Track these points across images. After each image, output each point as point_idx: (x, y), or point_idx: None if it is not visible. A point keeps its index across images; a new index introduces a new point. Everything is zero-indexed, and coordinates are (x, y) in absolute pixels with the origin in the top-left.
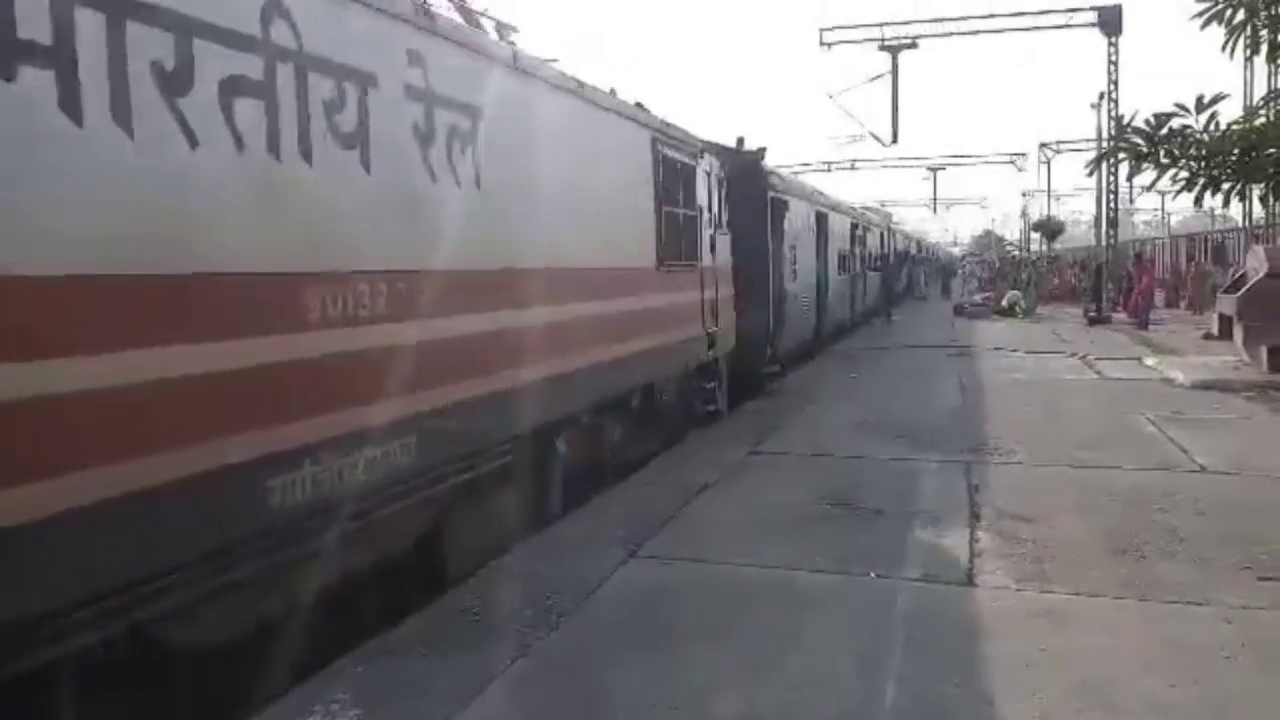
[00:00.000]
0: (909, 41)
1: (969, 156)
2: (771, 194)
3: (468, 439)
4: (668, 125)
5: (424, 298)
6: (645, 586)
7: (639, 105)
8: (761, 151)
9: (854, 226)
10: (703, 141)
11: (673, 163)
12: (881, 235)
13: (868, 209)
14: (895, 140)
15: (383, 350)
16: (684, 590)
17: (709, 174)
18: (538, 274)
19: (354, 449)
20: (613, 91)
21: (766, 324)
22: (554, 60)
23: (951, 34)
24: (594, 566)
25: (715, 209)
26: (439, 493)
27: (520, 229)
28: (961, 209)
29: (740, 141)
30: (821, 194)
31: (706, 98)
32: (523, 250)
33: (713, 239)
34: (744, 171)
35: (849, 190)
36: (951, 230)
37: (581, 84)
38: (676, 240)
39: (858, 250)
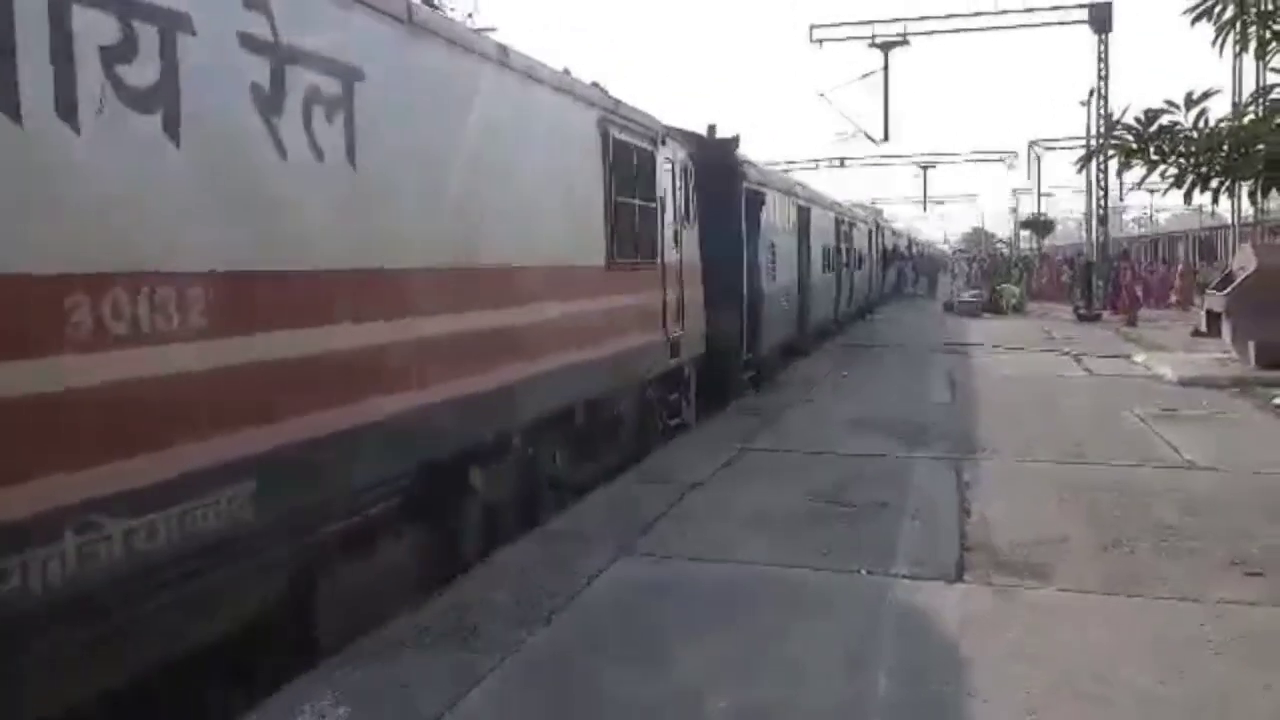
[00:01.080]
0: (900, 39)
1: (959, 154)
2: (746, 186)
3: (335, 482)
4: (620, 105)
5: (261, 305)
6: (637, 584)
7: (598, 87)
8: (734, 140)
9: (839, 222)
10: (665, 126)
11: (626, 148)
12: (870, 232)
13: (858, 206)
14: (886, 138)
15: (196, 376)
16: (675, 587)
17: (672, 163)
18: (439, 275)
19: (147, 505)
20: (567, 72)
21: (741, 326)
22: (492, 29)
23: (942, 31)
24: (585, 563)
25: (680, 202)
26: (297, 550)
27: (417, 220)
28: (952, 206)
29: (711, 129)
30: (804, 187)
31: (697, 96)
32: (417, 246)
33: (677, 234)
34: (715, 162)
35: (840, 188)
36: (942, 228)
37: (506, 50)
38: (631, 235)
39: (844, 247)
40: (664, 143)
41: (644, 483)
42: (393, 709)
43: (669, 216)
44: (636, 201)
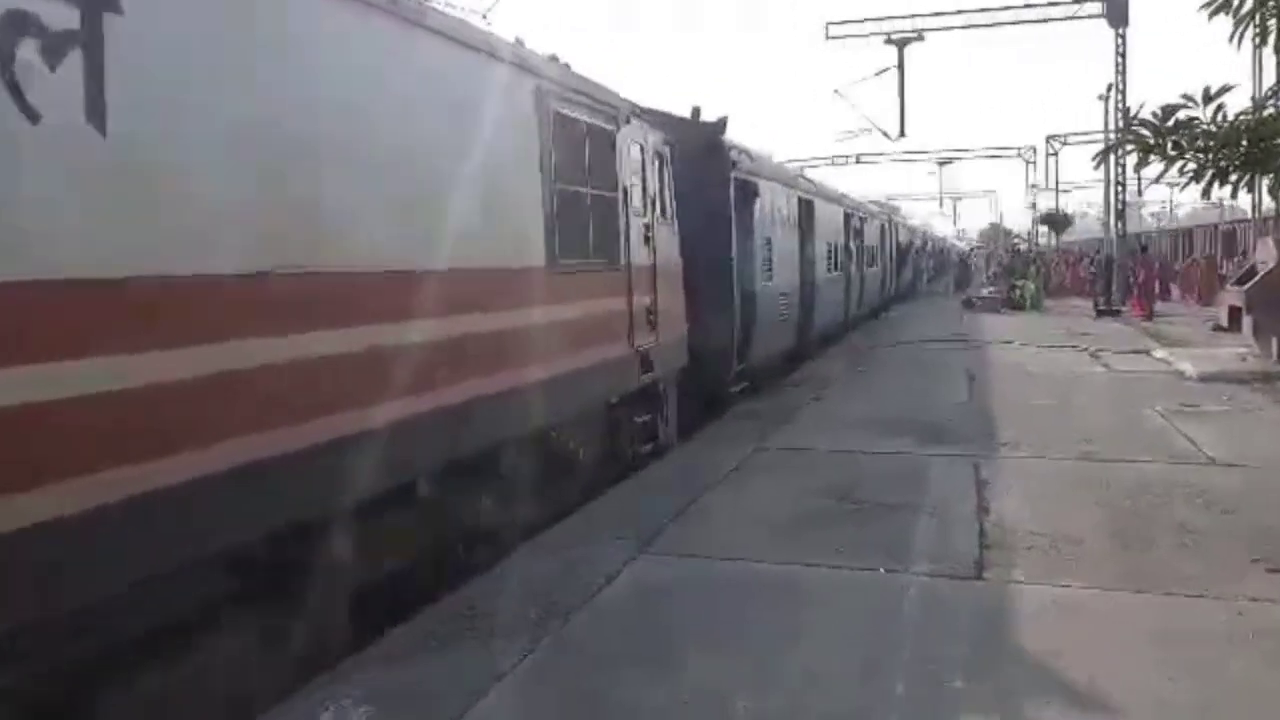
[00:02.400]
0: (915, 34)
1: (977, 150)
2: (736, 175)
3: (87, 577)
4: (569, 74)
5: None
6: (655, 584)
7: (557, 63)
8: (721, 123)
9: (848, 217)
10: (631, 104)
11: (575, 127)
12: (882, 228)
13: (873, 202)
14: (903, 134)
15: None
16: (692, 588)
17: (643, 147)
18: (252, 282)
19: None
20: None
21: (731, 333)
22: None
23: (957, 27)
24: (601, 563)
25: (653, 192)
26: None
27: (215, 207)
28: (970, 202)
29: (696, 111)
30: (806, 179)
31: (710, 95)
32: (210, 240)
33: (647, 230)
34: (700, 148)
35: (857, 185)
36: (960, 224)
37: None
38: (582, 231)
39: (853, 244)
40: (628, 122)
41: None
42: (412, 709)
43: (637, 209)
44: (590, 191)
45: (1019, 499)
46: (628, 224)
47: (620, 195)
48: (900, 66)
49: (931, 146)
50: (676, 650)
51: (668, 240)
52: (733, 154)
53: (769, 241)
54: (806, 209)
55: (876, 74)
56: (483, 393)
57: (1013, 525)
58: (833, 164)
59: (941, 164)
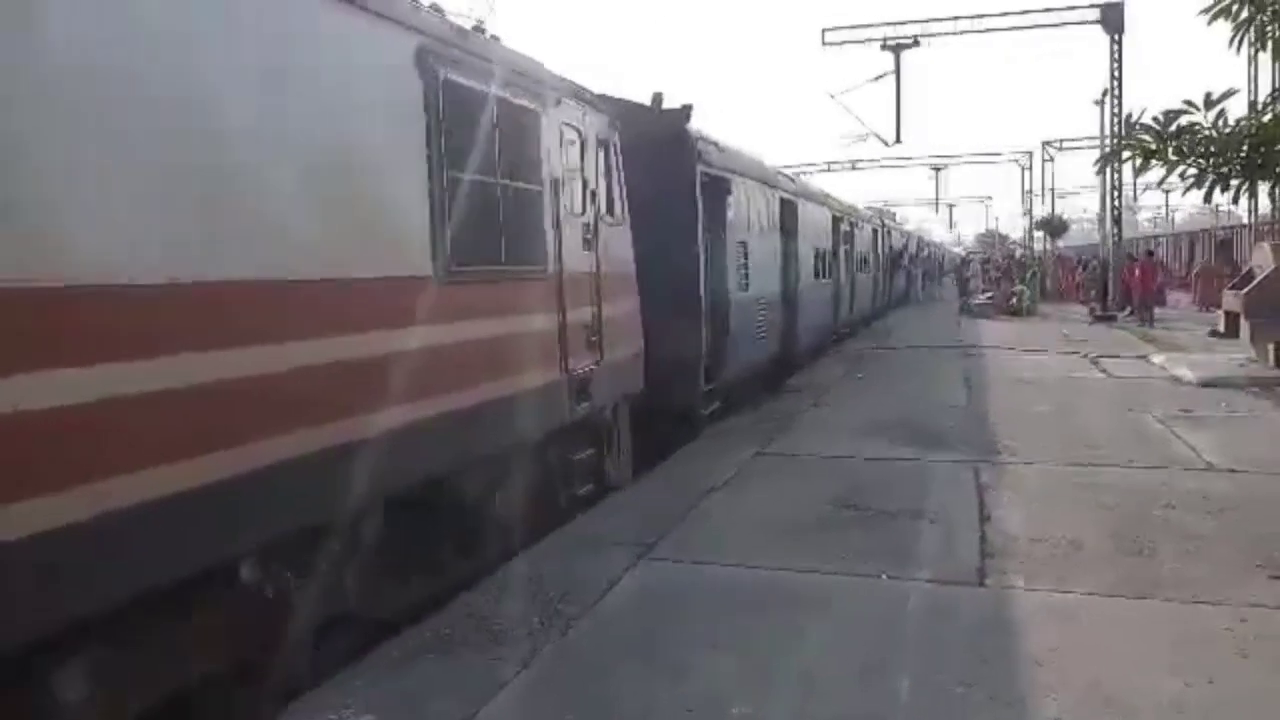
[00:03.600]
0: (911, 40)
1: (973, 155)
2: (703, 170)
3: None
4: (469, 37)
5: None
6: (656, 589)
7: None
8: (685, 111)
9: (837, 220)
10: (565, 81)
11: (480, 102)
12: (875, 232)
13: (869, 207)
14: (899, 140)
15: None
16: (693, 592)
17: (581, 133)
18: None
19: None
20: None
21: (699, 348)
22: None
23: (953, 33)
24: (603, 568)
25: (596, 187)
26: None
27: None
28: (966, 208)
29: (657, 99)
30: (789, 177)
31: (708, 99)
32: None
33: (587, 231)
34: (660, 139)
35: (854, 190)
36: (956, 230)
37: None
38: (489, 231)
39: (843, 249)
40: (558, 104)
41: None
42: (416, 715)
43: (572, 207)
44: (503, 183)
45: (1019, 505)
46: (559, 224)
47: (548, 189)
48: (897, 73)
49: (928, 152)
50: (680, 653)
51: (617, 244)
52: (699, 146)
53: (744, 245)
54: (789, 210)
55: (874, 79)
56: (317, 446)
57: (1013, 531)
58: (829, 170)
59: (937, 169)
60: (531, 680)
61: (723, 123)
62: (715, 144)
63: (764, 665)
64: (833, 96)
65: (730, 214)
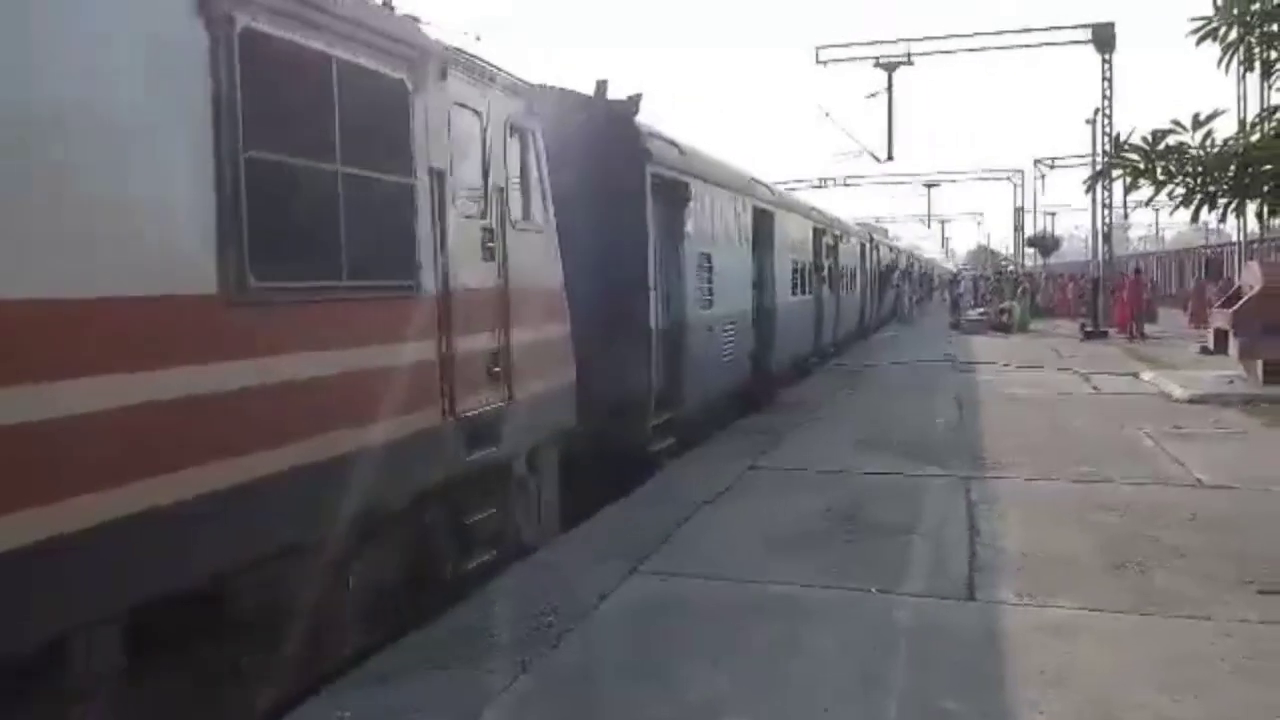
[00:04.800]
0: (904, 59)
1: (964, 172)
2: (654, 171)
3: None
4: None
5: None
6: (648, 603)
7: None
8: (633, 101)
9: (819, 233)
10: (454, 50)
11: (301, 63)
12: (862, 247)
13: (859, 224)
14: (891, 157)
15: None
16: (683, 606)
17: (481, 117)
18: None
19: None
20: None
21: (647, 376)
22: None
23: (946, 51)
24: (594, 582)
25: (504, 184)
26: None
27: None
28: (958, 225)
29: (601, 86)
30: (765, 185)
31: (704, 119)
32: None
33: (489, 238)
34: (602, 134)
35: (847, 207)
36: (948, 246)
37: None
38: (322, 234)
39: (826, 264)
40: (444, 76)
41: None
42: None
43: (468, 207)
44: (346, 173)
45: (1010, 520)
46: (442, 228)
47: (424, 184)
48: (889, 91)
49: (919, 169)
50: (671, 667)
51: (537, 255)
52: (650, 144)
53: (707, 258)
54: (764, 221)
55: (868, 97)
56: (46, 534)
57: (1003, 546)
58: (823, 186)
59: (929, 186)
60: (521, 694)
61: (718, 140)
62: (672, 143)
63: (754, 679)
64: (826, 114)
65: (690, 223)
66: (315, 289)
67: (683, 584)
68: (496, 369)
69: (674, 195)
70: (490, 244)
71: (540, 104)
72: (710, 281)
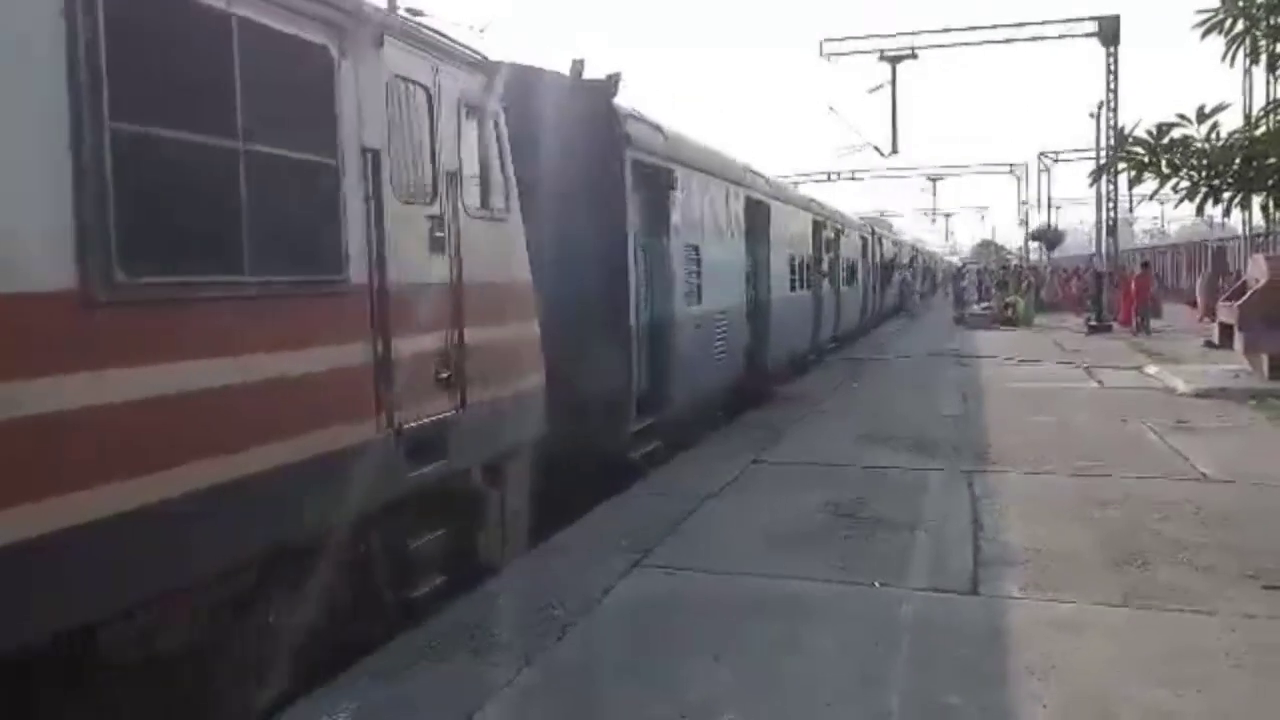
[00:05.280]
0: (909, 52)
1: (968, 166)
2: (635, 157)
3: None
4: None
5: None
6: (651, 597)
7: None
8: (611, 82)
9: (819, 225)
10: (388, 13)
11: (188, 20)
12: (864, 240)
13: (863, 219)
14: (895, 150)
15: None
16: (687, 600)
17: (428, 92)
18: None
19: None
20: None
21: (627, 376)
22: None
23: (951, 45)
24: (598, 576)
25: (455, 168)
26: None
27: None
28: (962, 218)
29: (578, 67)
30: (759, 174)
31: (710, 112)
32: None
33: (437, 227)
34: (577, 117)
35: (851, 201)
36: (952, 240)
37: None
38: (218, 220)
39: (826, 258)
40: (381, 46)
41: None
42: None
43: (410, 191)
44: (250, 150)
45: (1013, 514)
46: (377, 215)
47: (352, 165)
48: (893, 84)
49: (924, 162)
50: (674, 661)
51: (498, 246)
52: (630, 128)
53: (695, 251)
54: (759, 212)
55: (873, 90)
56: None
57: (1007, 541)
58: (829, 179)
59: (933, 180)
60: (524, 688)
61: (723, 138)
62: (656, 127)
63: (758, 674)
64: (831, 108)
65: (676, 213)
66: (205, 285)
67: (687, 578)
68: (446, 374)
69: (658, 183)
70: (439, 234)
71: (504, 82)
72: (699, 276)
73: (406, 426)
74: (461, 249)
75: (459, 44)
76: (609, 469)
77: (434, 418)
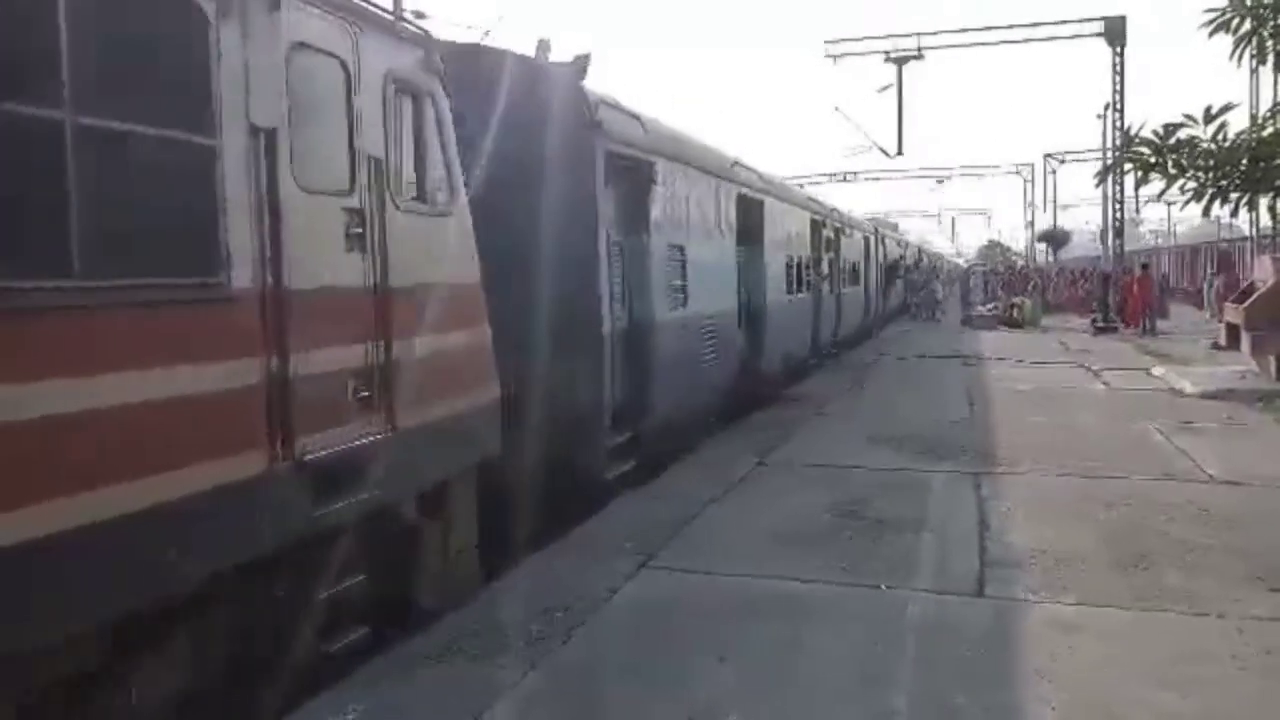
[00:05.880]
0: (914, 53)
1: (975, 167)
2: (611, 149)
3: None
4: None
5: None
6: (656, 599)
7: None
8: (580, 63)
9: (818, 225)
10: None
11: None
12: (866, 241)
13: (871, 218)
14: (900, 152)
15: None
16: (693, 602)
17: (345, 66)
18: None
19: None
20: None
21: (599, 389)
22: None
23: (957, 45)
24: (604, 577)
25: (381, 154)
26: None
27: None
28: (968, 219)
29: (543, 47)
30: (752, 169)
31: (716, 114)
32: None
33: (355, 221)
34: (542, 103)
35: (857, 202)
36: (958, 241)
37: None
38: (35, 212)
39: (826, 258)
40: (277, 8)
41: None
42: None
43: (315, 182)
44: (85, 125)
45: (1019, 516)
46: (274, 207)
47: (243, 146)
48: (899, 85)
49: (930, 164)
50: (680, 663)
51: (439, 244)
52: (602, 115)
53: (681, 251)
54: (752, 210)
55: (880, 90)
56: None
57: (1013, 542)
58: (833, 180)
59: (940, 181)
60: (530, 690)
61: (729, 137)
62: (634, 116)
63: (763, 676)
64: (836, 109)
65: (656, 210)
66: (12, 292)
67: (693, 579)
68: (368, 392)
69: (636, 177)
70: (359, 229)
71: (448, 60)
72: (684, 278)
73: (311, 457)
74: (389, 247)
75: (388, 13)
76: (580, 492)
77: (351, 445)
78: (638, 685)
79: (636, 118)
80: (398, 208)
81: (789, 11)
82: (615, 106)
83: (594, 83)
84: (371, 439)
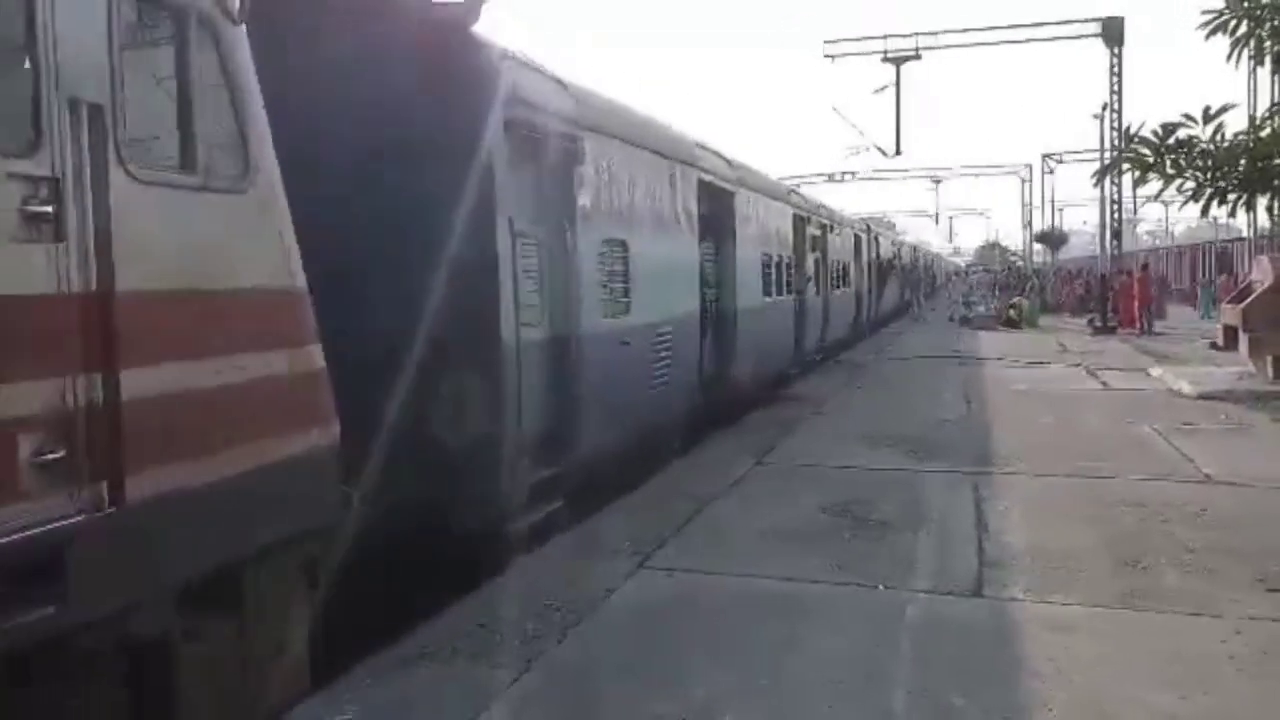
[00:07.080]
0: (912, 53)
1: (972, 167)
2: (514, 113)
3: None
4: None
5: None
6: (654, 599)
7: None
8: (472, 8)
9: (802, 221)
10: None
11: None
12: (857, 239)
13: (868, 218)
14: (898, 151)
15: None
16: (690, 602)
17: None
18: None
19: None
20: None
21: (500, 413)
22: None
23: (954, 45)
24: (601, 577)
25: (101, 99)
26: None
27: None
28: (966, 220)
29: None
30: (720, 155)
31: (713, 112)
32: None
33: (35, 194)
34: (419, 57)
35: (854, 202)
36: (956, 241)
37: None
38: None
39: (812, 257)
40: None
41: None
42: None
43: None
44: None
45: (1017, 516)
46: None
47: None
48: (897, 85)
49: (928, 164)
50: (677, 662)
51: (218, 231)
52: (508, 75)
53: (623, 247)
54: (721, 202)
55: (878, 90)
56: None
57: (1011, 543)
58: (830, 180)
59: (937, 181)
60: (527, 689)
61: (725, 133)
62: (557, 81)
63: (760, 676)
64: (834, 109)
65: (587, 197)
66: None
67: (690, 579)
68: (54, 453)
69: (558, 154)
70: (46, 207)
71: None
72: (626, 279)
73: None
74: (114, 234)
75: None
76: (473, 551)
77: (19, 535)
78: (634, 687)
79: (559, 83)
80: (134, 178)
81: (788, 12)
82: (530, 66)
83: (513, 39)
84: (55, 524)
